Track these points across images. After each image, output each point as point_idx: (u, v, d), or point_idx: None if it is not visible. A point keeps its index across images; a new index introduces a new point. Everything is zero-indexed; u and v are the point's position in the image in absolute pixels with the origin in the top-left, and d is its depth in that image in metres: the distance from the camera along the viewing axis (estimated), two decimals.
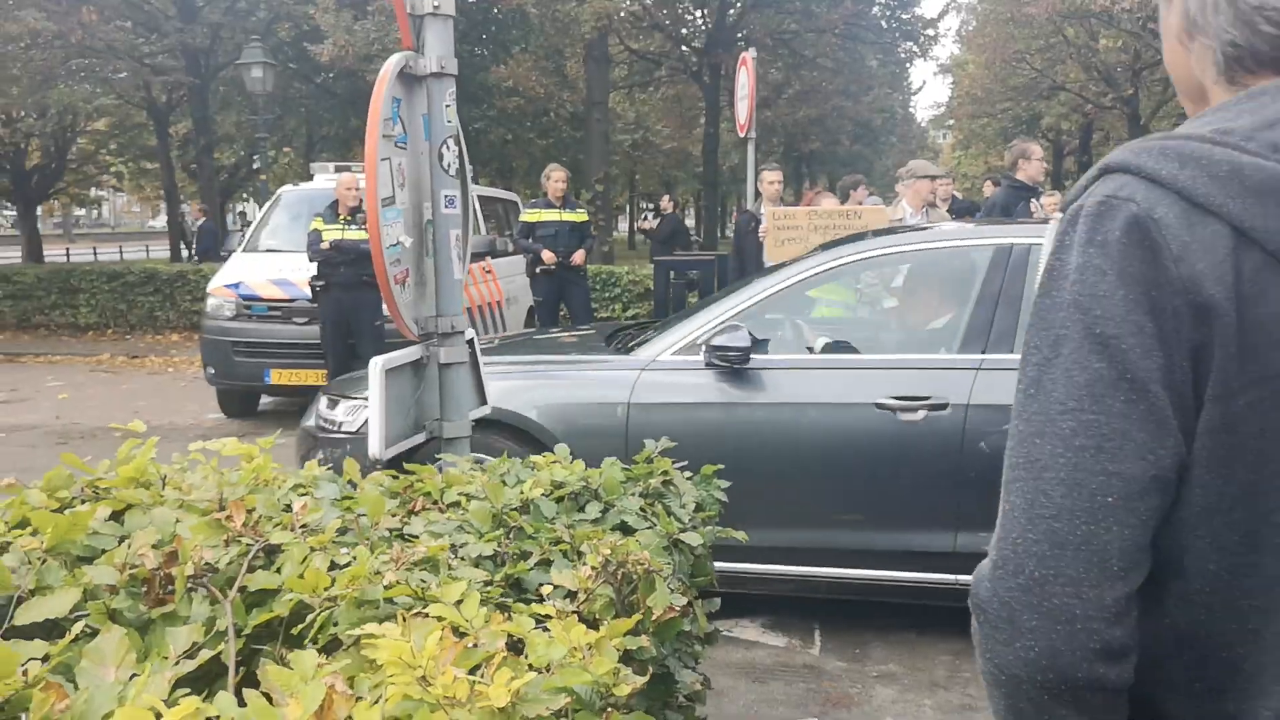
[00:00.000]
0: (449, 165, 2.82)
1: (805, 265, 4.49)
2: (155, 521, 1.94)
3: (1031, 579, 0.95)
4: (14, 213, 30.51)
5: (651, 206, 36.74)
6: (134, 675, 1.29)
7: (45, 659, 1.44)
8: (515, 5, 18.77)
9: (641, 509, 2.18)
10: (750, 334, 4.21)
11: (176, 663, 1.34)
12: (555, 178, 10.00)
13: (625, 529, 2.10)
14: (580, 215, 10.18)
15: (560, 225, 9.94)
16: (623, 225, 48.37)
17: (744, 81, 10.33)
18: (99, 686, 1.25)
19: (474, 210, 11.04)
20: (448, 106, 2.78)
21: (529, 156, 26.28)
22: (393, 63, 2.68)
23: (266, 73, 16.86)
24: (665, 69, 27.58)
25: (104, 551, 1.84)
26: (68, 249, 36.48)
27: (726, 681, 3.91)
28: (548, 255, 9.86)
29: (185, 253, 27.40)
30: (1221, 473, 0.93)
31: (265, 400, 10.35)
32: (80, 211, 55.42)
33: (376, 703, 1.16)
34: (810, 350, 4.53)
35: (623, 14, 21.50)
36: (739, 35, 24.26)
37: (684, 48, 26.22)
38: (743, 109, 10.42)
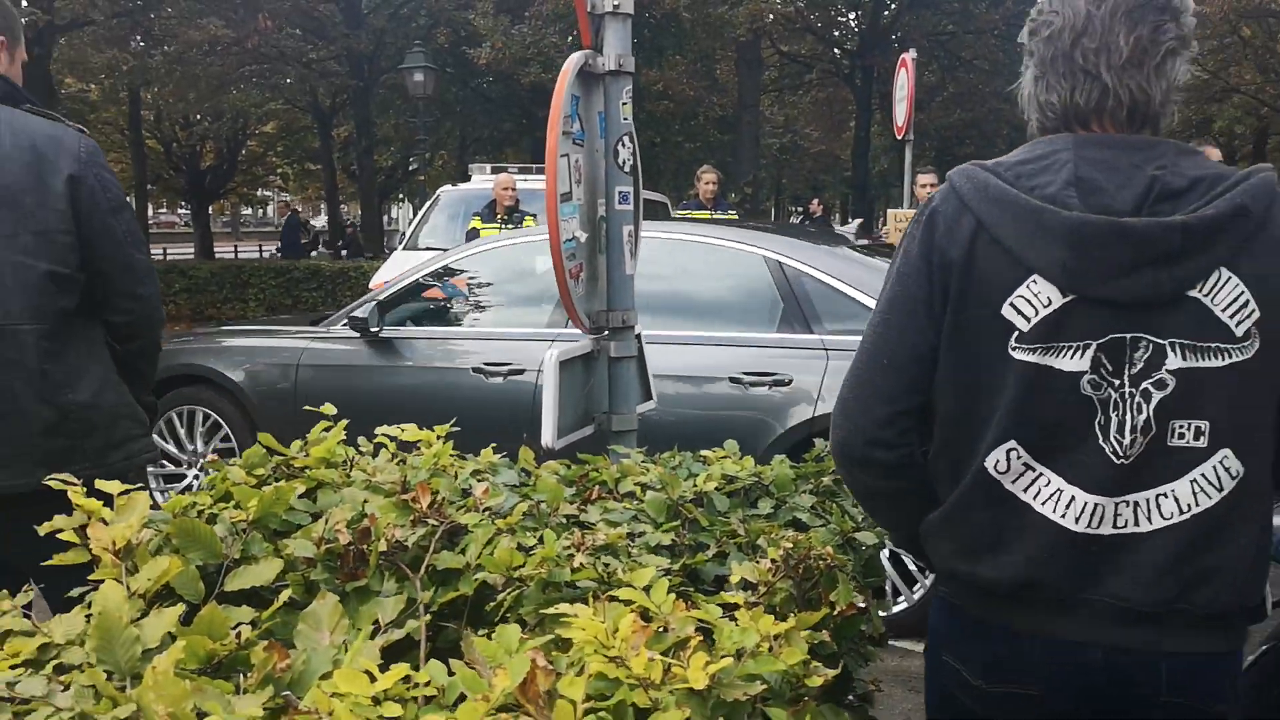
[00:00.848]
0: (624, 162, 2.87)
1: (436, 259, 5.76)
2: (346, 500, 2.02)
3: (842, 400, 1.64)
4: (189, 211, 32.19)
5: (800, 210, 36.48)
6: (345, 641, 1.35)
7: (253, 624, 1.52)
8: (669, 10, 18.89)
9: (813, 506, 2.18)
10: (380, 307, 5.24)
11: (385, 631, 1.39)
12: (707, 179, 10.03)
13: (798, 525, 2.09)
14: (730, 216, 10.19)
15: None
16: None
17: (903, 83, 10.18)
18: (315, 650, 1.31)
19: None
20: (624, 104, 2.83)
21: (676, 160, 26.41)
22: (574, 61, 2.74)
23: (427, 76, 17.38)
24: (816, 72, 27.35)
25: (298, 526, 1.93)
26: (235, 246, 38.34)
27: (884, 688, 3.86)
28: None
29: (344, 251, 28.45)
30: (952, 352, 1.54)
31: None
32: (247, 210, 58.13)
33: (577, 678, 1.19)
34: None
35: (775, 17, 21.42)
36: (893, 37, 23.90)
37: (836, 50, 25.97)
38: (901, 111, 10.27)
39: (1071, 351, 1.45)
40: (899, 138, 10.54)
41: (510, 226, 8.91)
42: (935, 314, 1.53)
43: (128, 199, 2.54)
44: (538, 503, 2.00)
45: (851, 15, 26.44)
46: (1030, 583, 1.49)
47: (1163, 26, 1.47)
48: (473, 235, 9.04)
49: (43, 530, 1.68)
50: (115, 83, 20.79)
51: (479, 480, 2.16)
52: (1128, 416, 1.44)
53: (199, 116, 26.14)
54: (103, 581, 1.52)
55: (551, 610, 1.41)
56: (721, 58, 23.33)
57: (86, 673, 1.29)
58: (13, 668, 1.35)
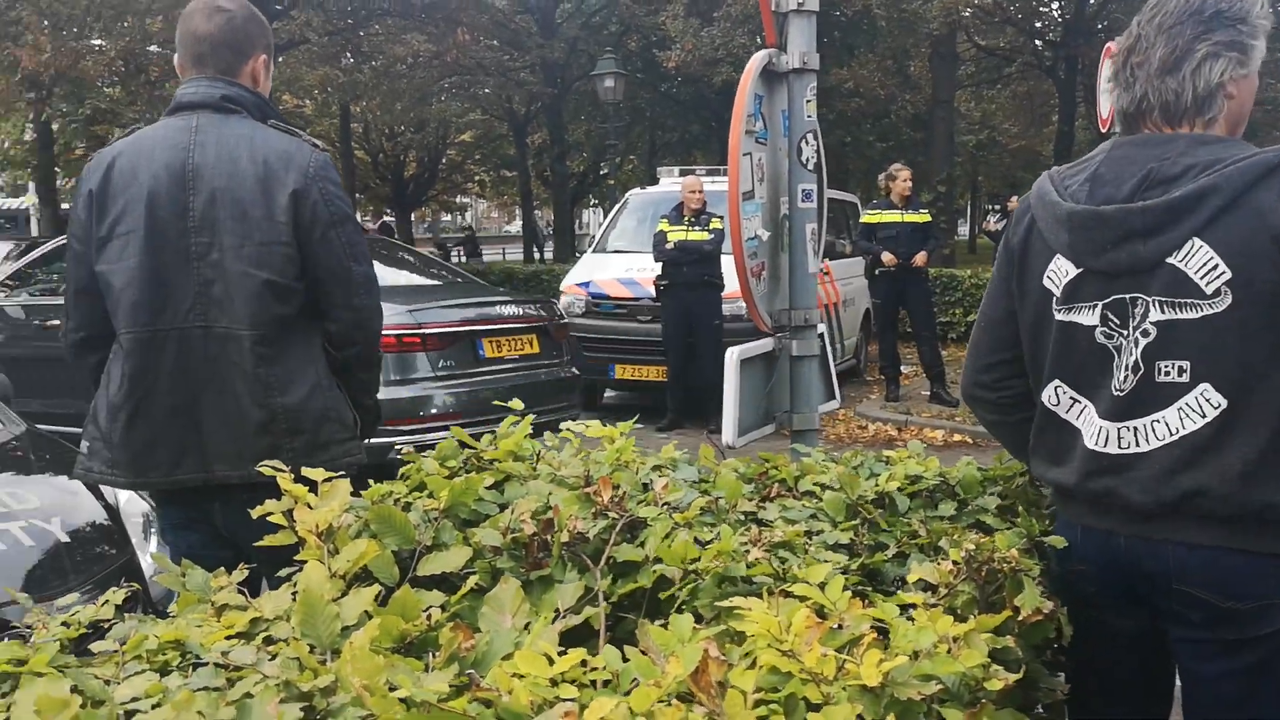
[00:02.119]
0: (807, 160, 2.86)
1: None
2: (532, 492, 2.09)
3: (965, 357, 2.19)
4: (393, 218, 33.74)
5: (998, 208, 35.28)
6: (527, 624, 1.40)
7: (443, 607, 1.59)
8: (861, 7, 18.61)
9: (999, 509, 2.12)
10: None
11: (564, 616, 1.43)
12: (902, 177, 9.83)
13: (982, 528, 2.04)
14: (923, 216, 9.95)
15: (902, 226, 9.77)
16: (963, 229, 46.79)
17: (1108, 73, 9.72)
18: (499, 632, 1.37)
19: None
20: (808, 102, 2.82)
21: (866, 159, 25.98)
22: (757, 60, 2.75)
23: (618, 82, 17.68)
24: (1017, 65, 26.39)
25: (486, 516, 2.00)
26: (433, 252, 39.87)
27: None
28: (888, 257, 9.72)
29: (537, 254, 29.27)
30: (1022, 314, 2.00)
31: (609, 394, 10.85)
32: (446, 217, 60.39)
33: (749, 668, 1.20)
34: None
35: (971, 10, 20.80)
36: (1099, 26, 22.82)
37: (1037, 41, 24.99)
38: (1105, 103, 9.80)
39: (1088, 310, 1.88)
40: (1103, 130, 10.06)
41: (699, 229, 8.97)
42: (1010, 287, 2.02)
43: (353, 212, 2.66)
44: (716, 499, 2.01)
45: (1054, 5, 25.38)
46: (1078, 487, 1.90)
47: (1203, 35, 1.81)
48: (660, 238, 9.14)
49: (255, 513, 1.80)
50: (327, 98, 21.98)
51: (659, 475, 2.19)
52: (1125, 358, 1.84)
53: (403, 127, 27.33)
54: (307, 562, 1.62)
55: (726, 603, 1.42)
56: (915, 53, 22.78)
57: (292, 645, 1.38)
58: (228, 638, 1.46)
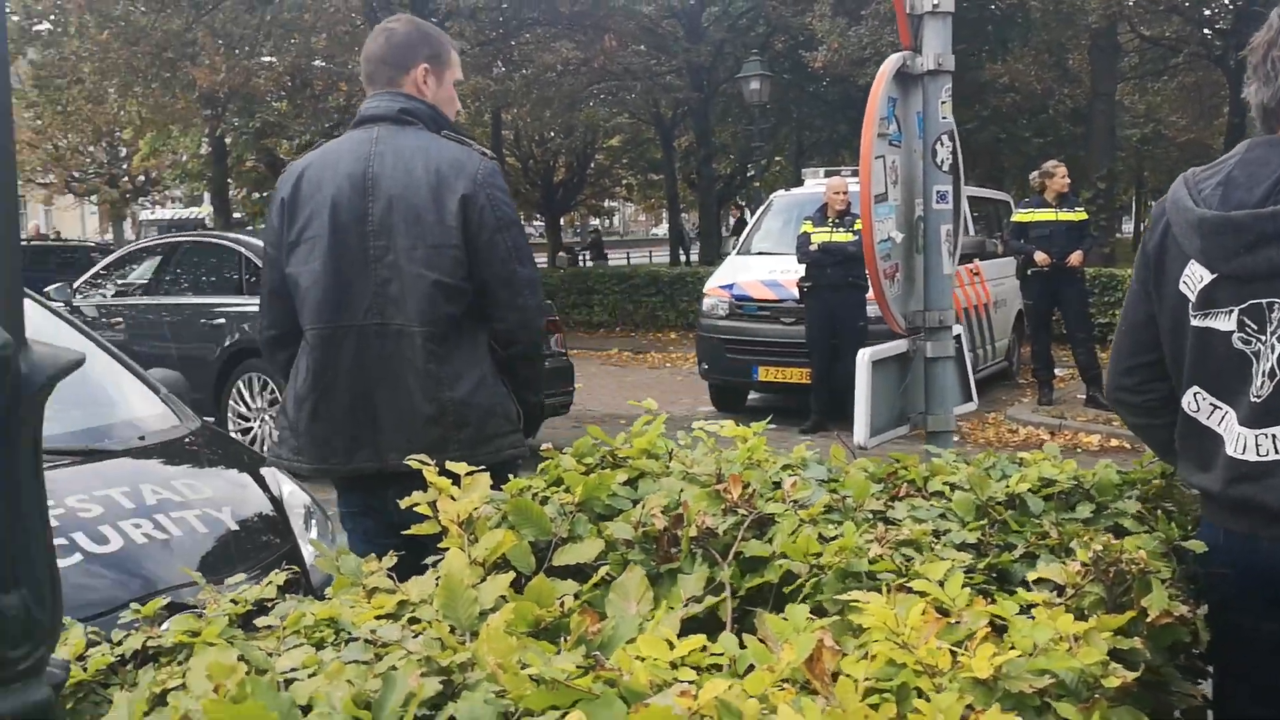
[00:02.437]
0: (942, 161, 2.85)
1: None
2: (664, 489, 2.16)
3: (1109, 360, 2.17)
4: (542, 223, 34.42)
5: None
6: (651, 611, 1.47)
7: (576, 596, 1.67)
8: (1016, 0, 18.13)
9: (1139, 513, 2.08)
10: None
11: (686, 605, 1.49)
12: (1059, 174, 9.55)
13: (1119, 531, 2.01)
14: (1079, 214, 9.66)
15: (1056, 225, 9.50)
16: (1127, 226, 44.97)
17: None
18: (623, 618, 1.44)
19: (964, 210, 10.86)
20: (943, 103, 2.81)
21: (1022, 155, 25.23)
22: (890, 63, 2.76)
23: (763, 84, 17.67)
24: (1184, 55, 25.24)
25: (619, 511, 2.08)
26: (581, 255, 40.44)
27: None
28: (1041, 256, 9.46)
29: (683, 256, 29.44)
30: (1161, 318, 1.97)
31: (752, 396, 10.86)
32: (594, 221, 61.29)
33: (862, 659, 1.24)
34: None
35: (1131, 2, 20.01)
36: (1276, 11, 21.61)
37: (1206, 31, 23.85)
38: None
39: (1224, 316, 1.85)
40: None
41: (843, 230, 8.91)
42: (1148, 291, 2.02)
43: (518, 217, 2.82)
44: (843, 497, 2.04)
45: None
46: (1221, 494, 1.89)
47: None
48: (804, 239, 9.12)
49: (404, 504, 1.92)
50: (480, 106, 22.60)
51: (789, 474, 2.23)
52: (1263, 364, 1.82)
53: (552, 133, 27.85)
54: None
55: (844, 596, 1.46)
56: (1073, 46, 22.04)
57: (434, 626, 1.48)
58: (376, 618, 1.57)
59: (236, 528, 3.06)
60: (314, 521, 3.37)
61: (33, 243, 25.06)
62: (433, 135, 2.71)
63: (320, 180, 2.66)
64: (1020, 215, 9.88)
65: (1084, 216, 9.73)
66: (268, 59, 18.54)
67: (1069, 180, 9.55)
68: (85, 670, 1.49)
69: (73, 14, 17.29)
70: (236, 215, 29.11)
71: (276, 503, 3.28)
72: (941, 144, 2.85)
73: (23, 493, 0.93)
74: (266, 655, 1.43)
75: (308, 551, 3.14)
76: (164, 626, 1.63)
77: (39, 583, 0.95)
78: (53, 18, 18.53)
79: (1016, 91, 21.51)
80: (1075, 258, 9.45)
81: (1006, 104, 22.13)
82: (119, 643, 1.57)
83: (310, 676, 1.34)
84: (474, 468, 1.95)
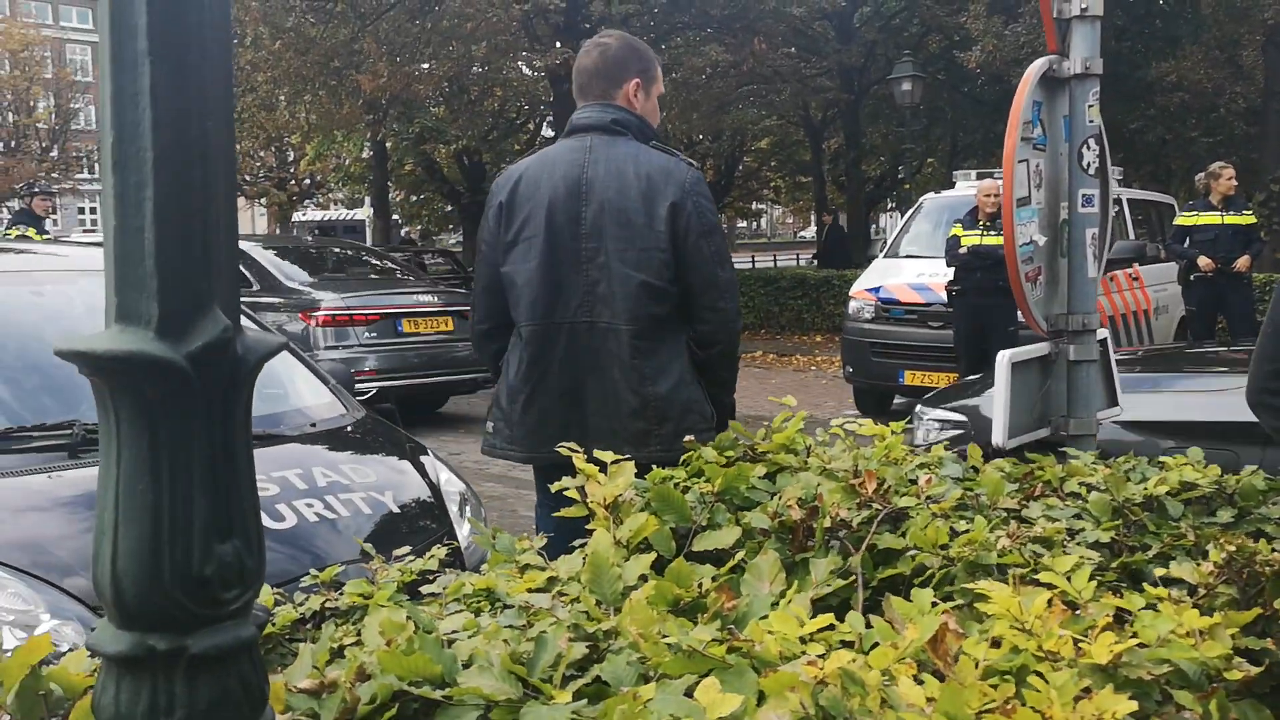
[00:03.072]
0: (1089, 165, 2.84)
1: None
2: (801, 482, 2.24)
3: (1250, 364, 2.17)
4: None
5: None
6: (783, 592, 1.56)
7: (714, 579, 1.77)
8: None
9: None
10: None
11: (816, 587, 1.58)
12: (1226, 175, 9.20)
13: (1261, 537, 2.00)
14: (1247, 217, 9.27)
15: (1221, 229, 9.14)
16: None
17: None
18: (757, 596, 1.53)
19: (1124, 213, 10.53)
20: (1090, 107, 2.81)
21: (1189, 156, 24.19)
22: (1036, 67, 2.77)
23: (915, 85, 17.41)
24: None
25: (758, 503, 2.17)
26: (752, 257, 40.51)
27: None
28: (1204, 261, 9.11)
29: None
30: None
31: (898, 400, 10.76)
32: (742, 224, 61.23)
33: (984, 643, 1.30)
34: None
35: None
36: None
37: None
38: None
39: None
40: None
41: (994, 234, 8.77)
42: None
43: (720, 223, 3.00)
44: (978, 495, 2.09)
45: None
46: None
47: None
48: (953, 242, 9.00)
49: (554, 489, 2.06)
50: None
51: (925, 471, 2.28)
52: None
53: (701, 136, 27.98)
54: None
55: (971, 584, 1.52)
56: (1249, 42, 21.03)
57: (581, 598, 1.60)
58: (529, 590, 1.70)
59: (398, 511, 3.26)
60: (468, 508, 3.56)
61: None
62: (641, 145, 2.89)
63: (538, 184, 2.85)
64: (1184, 218, 9.54)
65: (1252, 220, 9.34)
66: (425, 65, 19.21)
67: (1235, 182, 9.18)
68: (274, 625, 1.66)
69: (248, 26, 18.24)
70: (395, 217, 30.17)
71: (434, 489, 3.48)
72: (1088, 148, 2.85)
73: (238, 455, 1.09)
74: (431, 619, 1.57)
75: (462, 535, 3.32)
76: (339, 592, 1.80)
77: (249, 533, 1.10)
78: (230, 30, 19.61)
79: (1185, 90, 20.64)
80: (1242, 262, 9.07)
81: (1174, 103, 21.26)
82: (301, 603, 1.75)
83: (470, 638, 1.47)
84: (673, 464, 2.09)
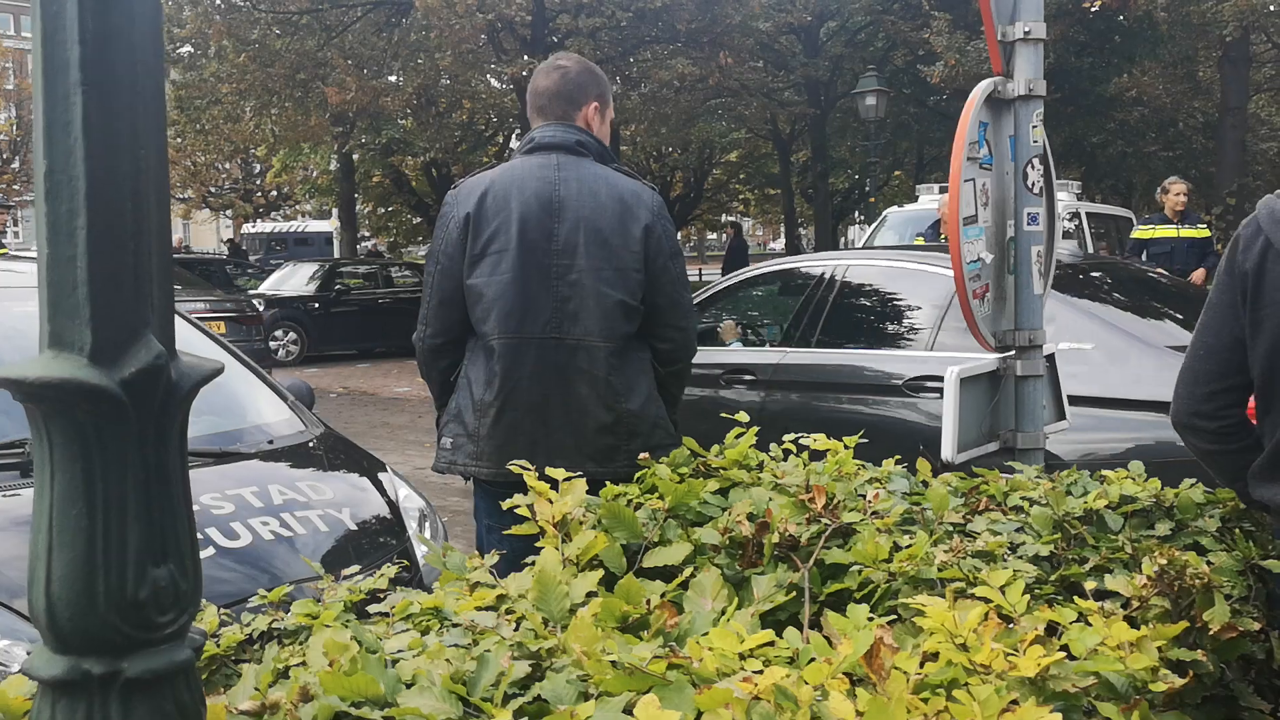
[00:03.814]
0: (1033, 184, 2.89)
1: None
2: (753, 498, 2.26)
3: (1176, 383, 2.18)
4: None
5: None
6: (724, 609, 1.58)
7: (661, 595, 1.79)
8: (1143, 11, 17.67)
9: (1219, 531, 2.11)
10: None
11: (759, 603, 1.60)
12: (1175, 190, 9.35)
13: (1198, 550, 2.05)
14: (1201, 231, 9.41)
15: (1177, 242, 9.28)
16: None
17: None
18: (699, 613, 1.55)
19: (1083, 226, 10.67)
20: (1034, 127, 2.86)
21: (1149, 170, 24.52)
22: (981, 89, 2.82)
23: (879, 100, 17.58)
24: None
25: (710, 518, 2.19)
26: (700, 270, 40.65)
27: None
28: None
29: None
30: (1256, 339, 2.01)
31: None
32: (711, 236, 61.41)
33: (912, 655, 1.33)
34: None
35: (1272, 8, 19.31)
36: None
37: None
38: None
39: None
40: None
41: None
42: (1238, 314, 2.04)
43: (682, 246, 3.07)
44: (923, 509, 2.12)
45: None
46: None
47: None
48: None
49: (505, 505, 2.07)
50: None
51: (874, 486, 2.31)
52: None
53: (669, 149, 28.06)
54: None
55: (907, 600, 1.55)
56: (1204, 59, 21.36)
57: (528, 617, 1.62)
58: (477, 609, 1.72)
59: (355, 528, 3.26)
60: (428, 524, 3.56)
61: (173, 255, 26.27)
62: (605, 167, 2.92)
63: (506, 198, 2.86)
64: (1140, 231, 9.67)
65: (1206, 234, 9.48)
66: (392, 78, 19.18)
67: (1185, 197, 9.32)
68: (218, 646, 1.67)
69: (213, 38, 18.16)
70: (363, 233, 30.04)
71: (393, 505, 3.48)
72: (1033, 167, 2.90)
73: (172, 480, 1.10)
74: (377, 638, 1.58)
75: (420, 551, 3.32)
76: (287, 612, 1.81)
77: (183, 557, 1.11)
78: (194, 42, 19.50)
79: (1144, 105, 20.94)
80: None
81: (1134, 118, 21.55)
82: (248, 624, 1.75)
83: (415, 657, 1.48)
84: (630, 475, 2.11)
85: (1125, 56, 19.86)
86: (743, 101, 22.12)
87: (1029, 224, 2.90)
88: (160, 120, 1.09)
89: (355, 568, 2.06)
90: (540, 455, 2.83)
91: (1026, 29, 2.81)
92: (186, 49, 20.15)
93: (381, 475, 3.64)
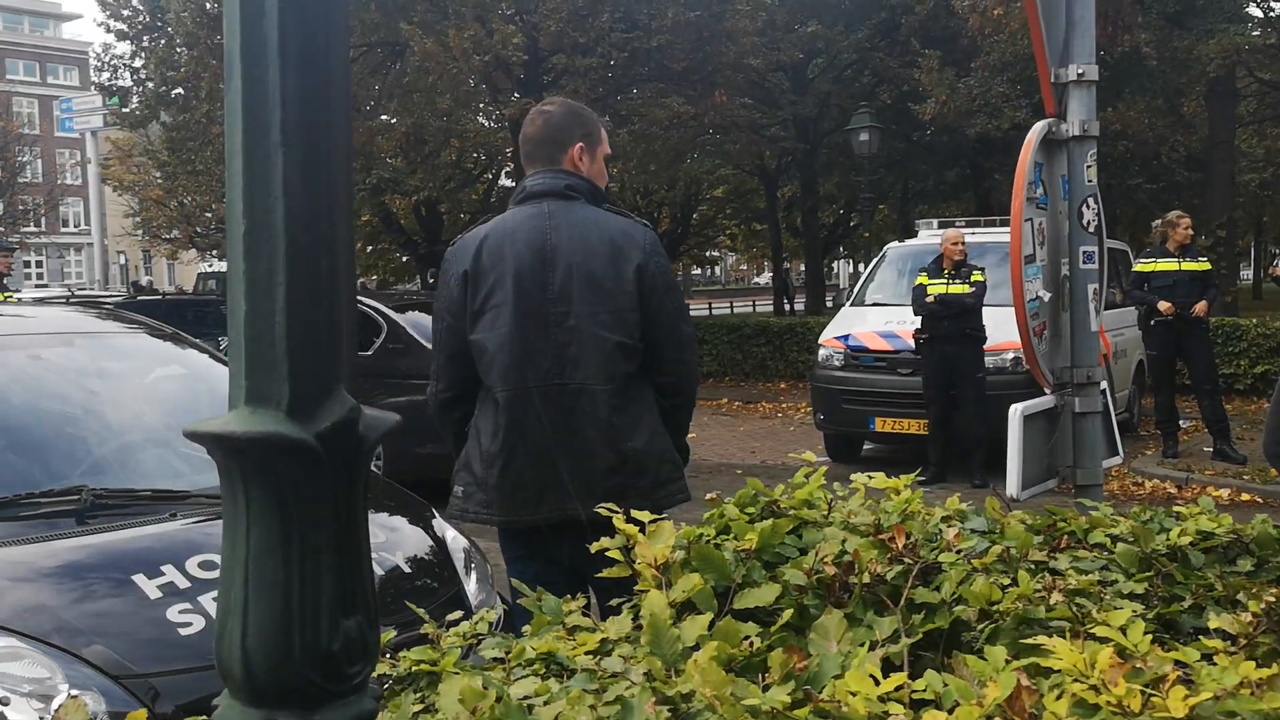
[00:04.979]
0: (1088, 223, 2.94)
1: None
2: (827, 537, 2.27)
3: (1266, 419, 2.40)
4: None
5: None
6: (849, 652, 1.59)
7: (761, 636, 1.80)
8: (1129, 48, 17.94)
9: None
10: None
11: (882, 645, 1.61)
12: (1183, 224, 9.45)
13: None
14: (1202, 264, 9.52)
15: (1179, 275, 9.38)
16: (1246, 273, 43.63)
17: None
18: (827, 655, 1.56)
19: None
20: (1088, 167, 2.91)
21: (1134, 204, 24.81)
22: (1037, 130, 2.87)
23: (872, 135, 17.75)
24: None
25: (785, 559, 2.20)
26: (687, 304, 40.75)
27: None
28: (1165, 306, 9.33)
29: (786, 306, 29.46)
30: None
31: (867, 446, 10.85)
32: (696, 270, 61.68)
33: (1059, 698, 1.34)
34: None
35: (1250, 46, 19.61)
36: None
37: None
38: None
39: None
40: None
41: (959, 283, 8.93)
42: None
43: (678, 280, 3.08)
44: (1007, 548, 2.13)
45: None
46: None
47: None
48: (919, 291, 9.15)
49: (594, 549, 2.08)
50: None
51: (948, 525, 2.33)
52: None
53: (657, 185, 28.24)
54: (643, 592, 1.87)
55: (1031, 640, 1.56)
56: (1189, 92, 21.66)
57: (643, 660, 1.62)
58: (587, 653, 1.72)
59: (409, 570, 3.25)
60: (474, 565, 3.56)
61: (166, 298, 26.20)
62: (596, 209, 2.94)
63: (500, 252, 2.89)
64: (1142, 265, 9.77)
65: (1207, 267, 9.59)
66: (384, 117, 19.24)
67: (1192, 231, 9.43)
68: None
69: (205, 80, 18.20)
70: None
71: (442, 547, 3.48)
72: (1087, 206, 2.95)
73: (359, 531, 1.11)
74: (501, 684, 1.59)
75: (470, 591, 3.32)
76: (392, 657, 1.81)
77: (369, 607, 1.12)
78: (186, 83, 19.54)
79: (1129, 138, 21.19)
80: (1200, 307, 9.30)
81: (1119, 151, 21.80)
82: None
83: (546, 704, 1.49)
84: (655, 514, 2.11)
85: (1112, 91, 20.13)
86: (731, 138, 22.29)
87: (1085, 262, 2.94)
88: (348, 179, 1.12)
89: (422, 610, 2.06)
90: (550, 501, 2.88)
91: (1080, 71, 2.86)
92: (179, 90, 20.18)
93: (428, 515, 3.64)
